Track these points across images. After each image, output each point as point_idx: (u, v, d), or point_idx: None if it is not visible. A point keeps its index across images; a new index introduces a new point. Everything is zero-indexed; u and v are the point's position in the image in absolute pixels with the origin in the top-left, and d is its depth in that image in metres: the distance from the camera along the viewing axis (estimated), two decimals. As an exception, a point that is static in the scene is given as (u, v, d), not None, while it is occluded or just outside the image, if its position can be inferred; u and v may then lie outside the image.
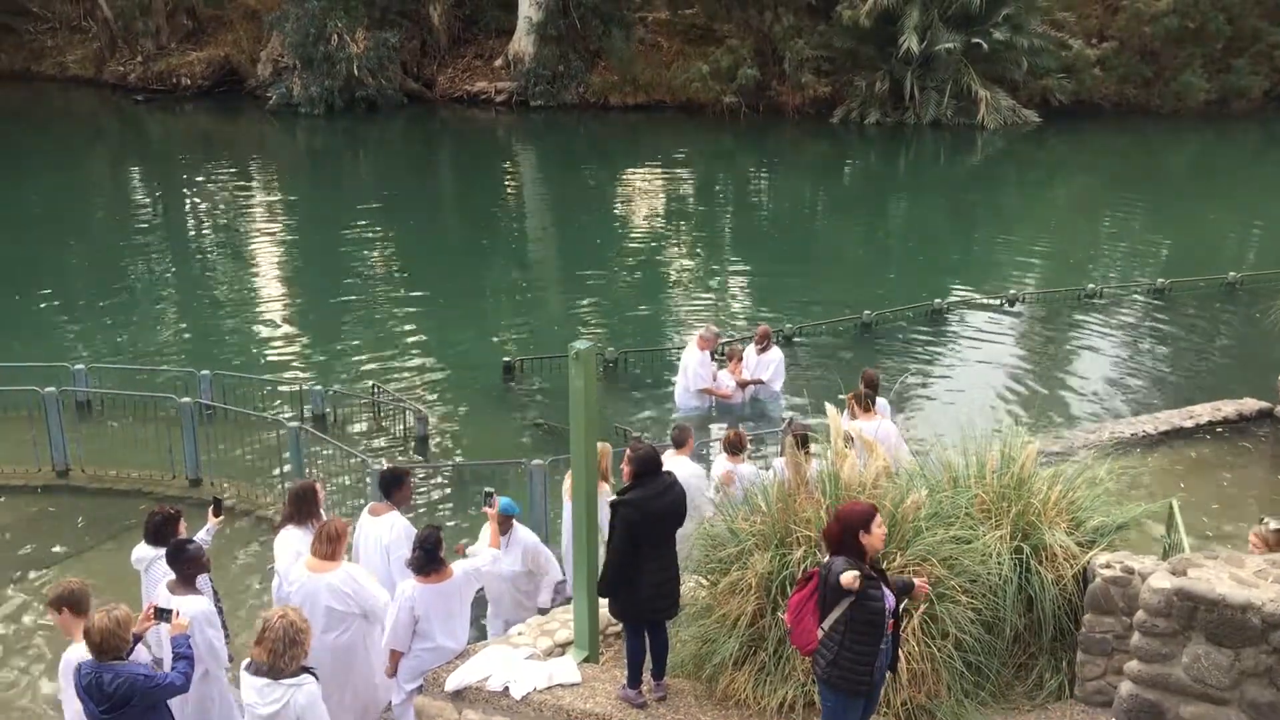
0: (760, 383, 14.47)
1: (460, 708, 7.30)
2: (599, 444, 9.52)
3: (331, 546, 7.55)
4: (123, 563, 10.35)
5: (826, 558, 6.10)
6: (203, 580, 7.59)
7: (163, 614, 6.75)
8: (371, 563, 8.63)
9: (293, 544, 8.11)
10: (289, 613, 6.40)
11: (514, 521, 8.78)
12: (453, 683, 7.34)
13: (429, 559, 7.47)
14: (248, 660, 6.44)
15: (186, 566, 7.32)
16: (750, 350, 14.66)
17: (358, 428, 14.33)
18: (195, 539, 7.85)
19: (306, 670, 6.41)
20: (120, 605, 6.44)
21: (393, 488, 8.71)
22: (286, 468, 12.21)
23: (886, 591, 6.00)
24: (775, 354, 14.55)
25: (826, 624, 5.91)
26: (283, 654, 6.24)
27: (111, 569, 10.62)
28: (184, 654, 6.59)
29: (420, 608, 7.45)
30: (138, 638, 6.68)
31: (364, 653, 7.69)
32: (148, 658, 6.83)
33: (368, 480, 11.24)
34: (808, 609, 6.01)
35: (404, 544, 8.51)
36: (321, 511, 8.52)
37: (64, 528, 11.59)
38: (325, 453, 12.61)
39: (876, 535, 5.99)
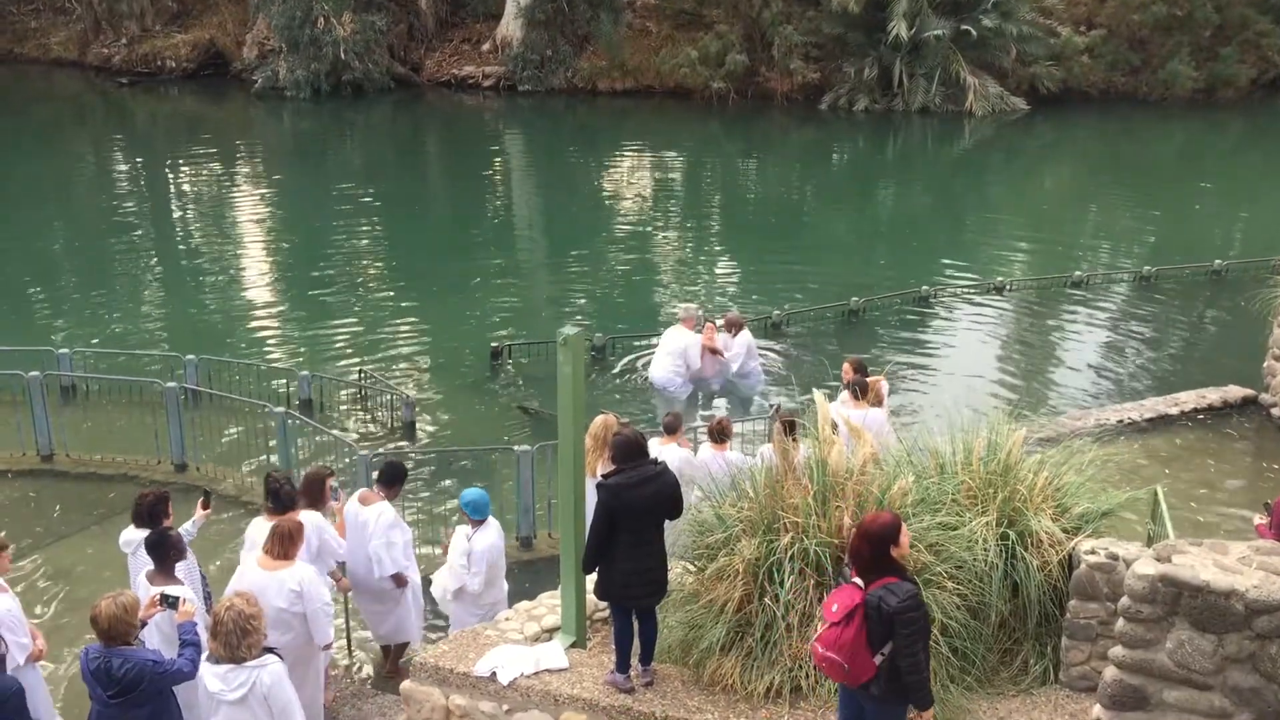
0: (719, 353, 14.56)
1: (447, 693, 7.29)
2: (603, 417, 9.56)
3: (285, 546, 7.44)
4: (105, 548, 10.33)
5: (852, 572, 5.99)
6: (185, 567, 7.56)
7: (168, 600, 6.72)
8: (357, 550, 8.63)
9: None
10: (234, 602, 6.29)
11: (487, 521, 8.59)
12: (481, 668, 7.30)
13: (279, 499, 7.93)
14: (207, 653, 6.39)
15: (170, 554, 7.30)
16: (725, 337, 14.83)
17: (344, 413, 14.29)
18: (180, 530, 7.84)
19: (270, 650, 6.39)
20: (126, 591, 6.45)
21: (396, 481, 8.73)
22: (273, 456, 12.18)
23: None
24: (743, 338, 14.70)
25: (889, 649, 5.81)
26: (238, 645, 6.20)
27: (95, 554, 10.59)
28: (191, 641, 6.55)
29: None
30: (143, 623, 6.66)
31: (310, 653, 7.56)
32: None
33: (349, 463, 11.22)
34: (860, 642, 5.82)
35: (387, 533, 8.51)
36: (331, 500, 8.58)
37: (47, 513, 11.54)
38: (316, 439, 12.57)
39: (904, 544, 5.95)
